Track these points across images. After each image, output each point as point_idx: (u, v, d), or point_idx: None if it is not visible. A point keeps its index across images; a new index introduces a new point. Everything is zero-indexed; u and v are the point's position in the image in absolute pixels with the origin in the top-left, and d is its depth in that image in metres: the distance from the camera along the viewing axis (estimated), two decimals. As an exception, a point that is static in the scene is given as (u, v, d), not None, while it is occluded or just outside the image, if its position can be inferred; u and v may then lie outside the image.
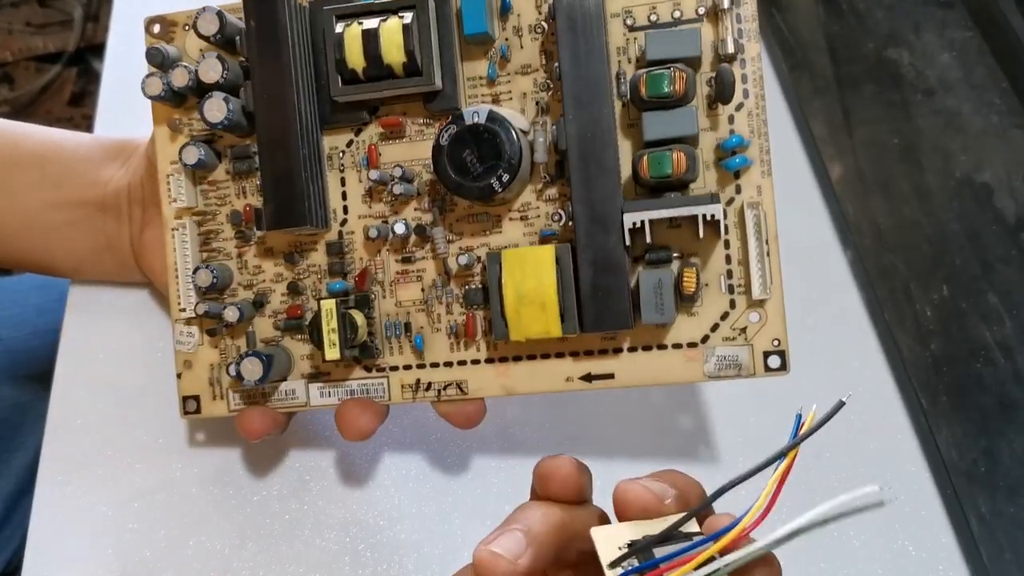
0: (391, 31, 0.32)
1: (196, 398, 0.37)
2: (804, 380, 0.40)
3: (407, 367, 0.35)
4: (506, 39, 0.34)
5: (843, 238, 0.43)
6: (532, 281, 0.31)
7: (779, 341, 0.32)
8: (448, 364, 0.34)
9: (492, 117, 0.31)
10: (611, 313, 0.31)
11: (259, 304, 0.36)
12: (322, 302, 0.33)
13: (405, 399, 0.35)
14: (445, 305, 0.34)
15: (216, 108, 0.33)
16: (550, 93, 0.33)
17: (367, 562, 0.39)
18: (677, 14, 0.32)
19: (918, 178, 0.42)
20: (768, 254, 0.32)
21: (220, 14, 0.33)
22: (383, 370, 0.35)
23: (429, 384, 0.35)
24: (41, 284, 0.58)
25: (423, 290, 0.35)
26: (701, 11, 0.32)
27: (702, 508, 0.24)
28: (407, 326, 0.35)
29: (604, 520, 0.27)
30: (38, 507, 0.41)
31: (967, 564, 0.37)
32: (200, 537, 0.40)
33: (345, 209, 0.35)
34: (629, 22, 0.33)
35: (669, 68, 0.30)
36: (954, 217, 0.41)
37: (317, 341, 0.33)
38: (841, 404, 0.22)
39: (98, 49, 1.32)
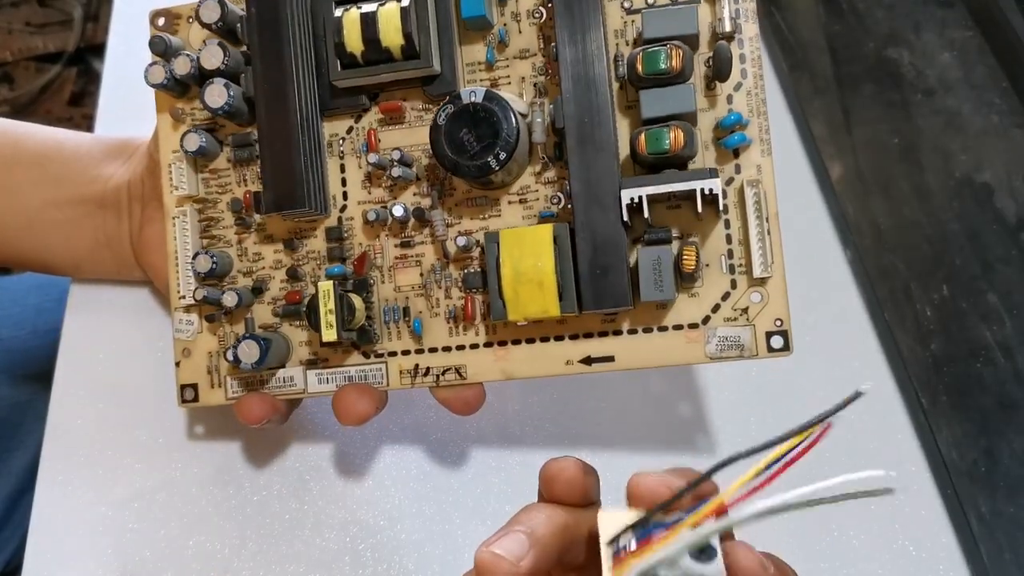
0: (389, 14, 0.32)
1: (194, 386, 0.37)
2: (804, 380, 0.40)
3: (405, 352, 0.35)
4: (504, 24, 0.34)
5: (843, 238, 0.43)
6: (530, 260, 0.31)
7: (781, 321, 0.32)
8: (447, 349, 0.34)
9: (489, 96, 0.31)
10: (610, 291, 0.31)
11: (258, 290, 0.36)
12: (319, 284, 0.33)
13: (404, 384, 0.35)
14: (444, 289, 0.34)
15: (217, 93, 0.34)
16: (548, 77, 0.33)
17: (367, 562, 0.39)
18: None
19: (918, 178, 0.42)
20: (769, 232, 0.31)
21: (222, 2, 0.34)
22: (381, 356, 0.35)
23: (428, 369, 0.35)
24: (40, 283, 0.58)
25: (422, 275, 0.35)
26: None
27: (702, 480, 0.24)
28: (406, 311, 0.35)
29: None
30: (38, 507, 0.41)
31: (967, 564, 0.37)
32: (200, 537, 0.40)
33: (344, 195, 0.35)
34: (627, 5, 0.33)
35: (666, 45, 0.30)
36: (954, 217, 0.41)
37: (314, 323, 0.33)
38: (858, 394, 0.22)
39: (98, 49, 1.32)
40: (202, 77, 0.35)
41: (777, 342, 0.32)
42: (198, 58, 0.34)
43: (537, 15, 0.33)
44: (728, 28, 0.31)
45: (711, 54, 0.32)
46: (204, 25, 0.34)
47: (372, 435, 0.41)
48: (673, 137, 0.30)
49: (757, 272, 0.31)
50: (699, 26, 0.32)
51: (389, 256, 0.35)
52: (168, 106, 0.37)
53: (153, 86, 0.35)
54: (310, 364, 0.36)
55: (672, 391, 0.42)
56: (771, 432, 0.40)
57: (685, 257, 0.31)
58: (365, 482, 0.41)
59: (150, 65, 0.35)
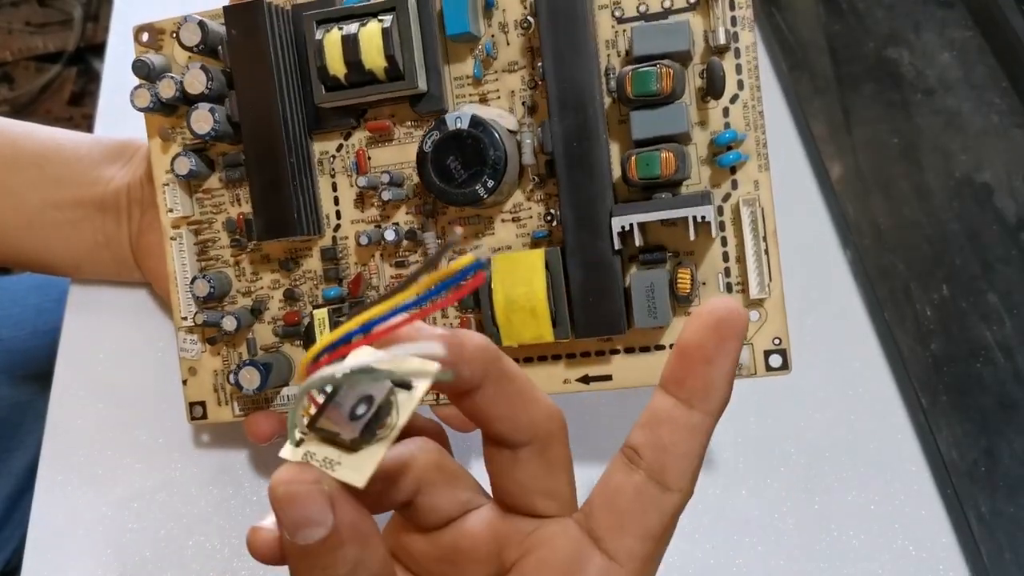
0: (370, 35, 0.31)
1: (202, 404, 0.37)
2: (804, 380, 0.40)
3: None
4: (492, 36, 0.33)
5: (843, 238, 0.43)
6: (522, 287, 0.31)
7: (780, 340, 0.31)
8: (446, 368, 0.34)
9: (475, 122, 0.31)
10: (602, 318, 0.31)
11: (257, 311, 0.36)
12: (315, 312, 0.33)
13: None
14: (440, 310, 0.34)
15: (203, 120, 0.33)
16: (537, 90, 0.32)
17: (367, 562, 0.39)
18: (667, 3, 0.31)
19: (918, 178, 0.42)
20: (766, 251, 0.31)
21: (202, 24, 0.33)
22: None
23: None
24: (40, 284, 0.58)
25: (418, 294, 0.34)
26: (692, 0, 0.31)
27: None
28: None
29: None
30: (38, 507, 0.41)
31: (967, 564, 0.37)
32: (200, 537, 0.40)
33: (338, 214, 0.35)
34: (618, 14, 0.31)
35: (656, 65, 0.29)
36: (954, 217, 0.41)
37: None
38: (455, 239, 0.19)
39: (98, 49, 1.32)
40: (187, 100, 0.34)
41: (776, 361, 0.31)
42: (182, 81, 0.34)
43: (525, 26, 0.32)
44: (722, 40, 0.30)
45: (705, 66, 0.31)
46: (185, 48, 0.34)
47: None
48: (664, 161, 0.29)
49: (754, 293, 0.31)
50: (692, 39, 0.30)
51: (385, 276, 0.35)
52: (158, 127, 0.36)
53: (139, 110, 0.35)
54: (313, 383, 0.36)
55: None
56: (770, 433, 0.40)
57: (680, 281, 0.31)
58: (365, 482, 0.41)
59: (135, 88, 0.35)
